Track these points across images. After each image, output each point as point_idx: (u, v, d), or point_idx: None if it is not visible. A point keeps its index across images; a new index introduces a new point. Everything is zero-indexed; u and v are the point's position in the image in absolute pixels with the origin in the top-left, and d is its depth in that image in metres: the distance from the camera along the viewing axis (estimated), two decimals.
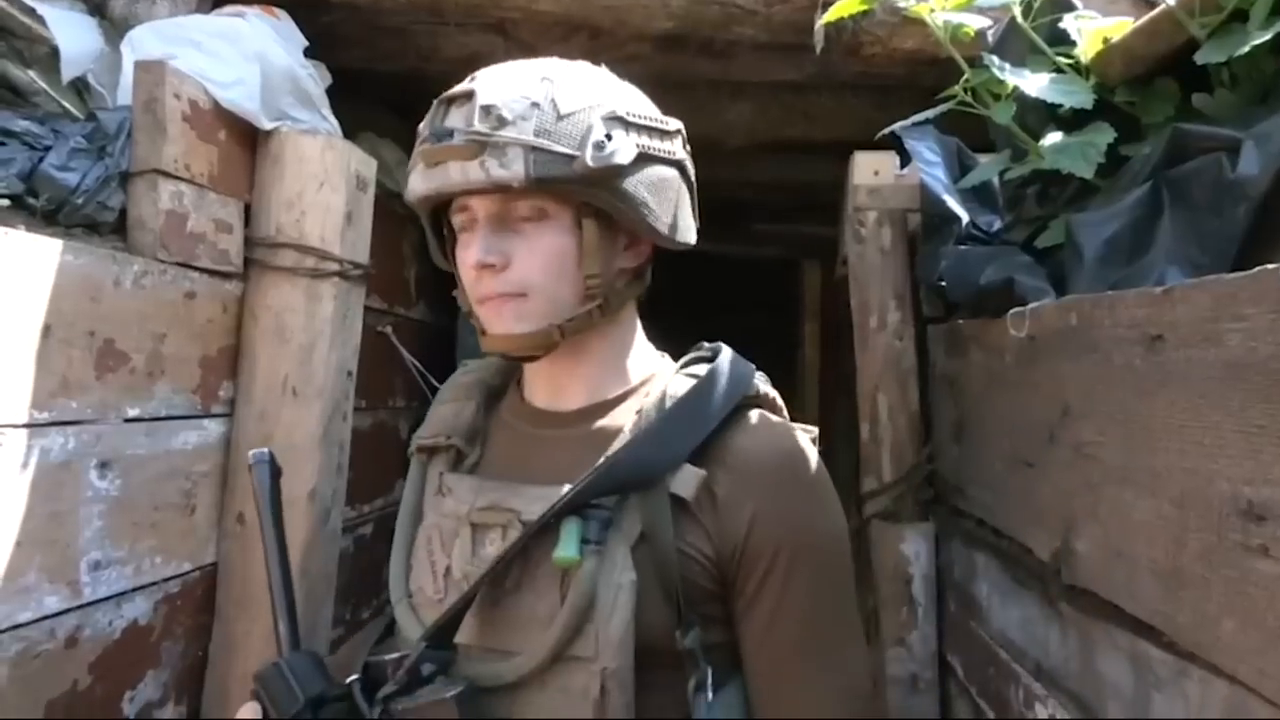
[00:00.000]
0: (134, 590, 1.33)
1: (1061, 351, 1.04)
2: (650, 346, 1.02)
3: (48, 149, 1.31)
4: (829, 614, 0.90)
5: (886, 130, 1.49)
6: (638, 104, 0.92)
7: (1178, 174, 1.03)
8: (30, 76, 1.46)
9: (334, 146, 1.59)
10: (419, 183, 0.89)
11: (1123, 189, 1.13)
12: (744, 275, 4.56)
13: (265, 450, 1.04)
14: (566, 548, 0.83)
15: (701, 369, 0.94)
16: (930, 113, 1.37)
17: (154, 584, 1.38)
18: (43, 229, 1.24)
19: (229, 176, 1.51)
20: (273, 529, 0.99)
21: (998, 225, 1.55)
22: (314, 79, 1.68)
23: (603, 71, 0.94)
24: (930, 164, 1.64)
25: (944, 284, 1.58)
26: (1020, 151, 1.34)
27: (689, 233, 0.96)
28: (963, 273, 1.47)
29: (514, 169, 0.83)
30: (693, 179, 0.97)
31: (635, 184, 0.88)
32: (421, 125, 0.91)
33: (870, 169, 1.78)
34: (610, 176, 0.86)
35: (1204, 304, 0.74)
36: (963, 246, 1.53)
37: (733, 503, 0.87)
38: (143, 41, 1.48)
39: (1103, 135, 1.17)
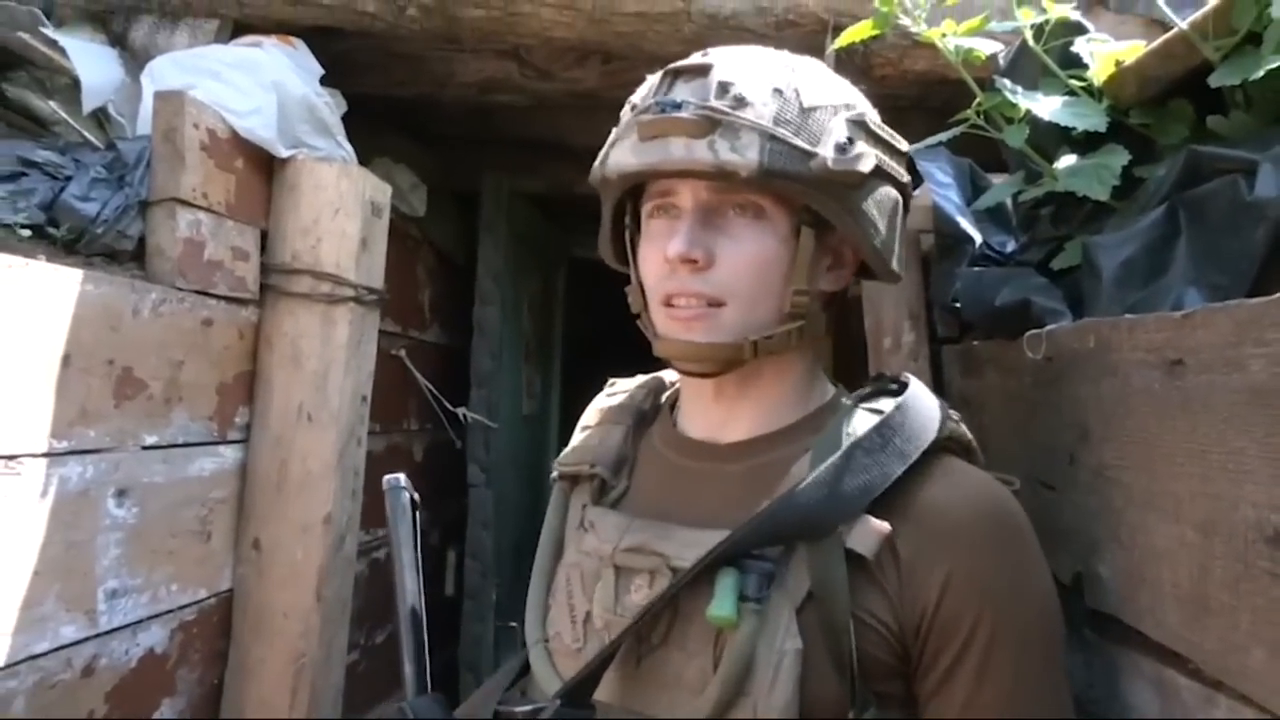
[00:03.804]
0: (150, 618, 1.33)
1: (1080, 374, 1.03)
2: (824, 376, 0.91)
3: (69, 179, 1.33)
4: (1037, 700, 0.77)
5: None
6: (876, 114, 0.85)
7: (1194, 196, 1.02)
8: (51, 107, 1.49)
9: (349, 173, 1.60)
10: (628, 156, 0.79)
11: (1138, 211, 1.13)
12: None
13: (399, 476, 0.94)
14: (721, 605, 0.72)
15: (885, 403, 0.83)
16: (943, 136, 1.37)
17: (170, 611, 1.38)
18: (63, 259, 1.25)
19: (246, 204, 1.53)
20: (405, 562, 0.89)
21: (1012, 246, 1.55)
22: (330, 106, 1.70)
23: (834, 73, 0.87)
24: (943, 185, 1.64)
25: (958, 305, 1.57)
26: (1034, 173, 1.34)
27: (901, 264, 0.87)
28: (978, 294, 1.46)
29: (748, 155, 0.74)
30: (910, 208, 0.89)
31: (865, 198, 0.80)
32: (636, 96, 0.83)
33: None
34: (847, 184, 0.78)
35: (1225, 329, 0.73)
36: (977, 268, 1.53)
37: (921, 564, 0.75)
38: (162, 72, 1.51)
39: (1117, 157, 1.17)
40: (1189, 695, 0.80)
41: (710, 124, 0.75)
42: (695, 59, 0.81)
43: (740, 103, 0.76)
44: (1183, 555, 0.80)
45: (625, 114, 0.83)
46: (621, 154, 0.80)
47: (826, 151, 0.76)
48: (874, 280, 0.90)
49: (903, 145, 0.86)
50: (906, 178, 0.87)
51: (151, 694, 1.35)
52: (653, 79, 0.82)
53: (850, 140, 0.78)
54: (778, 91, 0.77)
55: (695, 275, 0.79)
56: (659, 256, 0.80)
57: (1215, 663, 0.76)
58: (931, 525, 0.76)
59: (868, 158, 0.79)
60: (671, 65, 0.81)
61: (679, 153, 0.76)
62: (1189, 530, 0.79)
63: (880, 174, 0.81)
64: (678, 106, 0.76)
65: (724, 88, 0.76)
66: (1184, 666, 0.81)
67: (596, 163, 0.84)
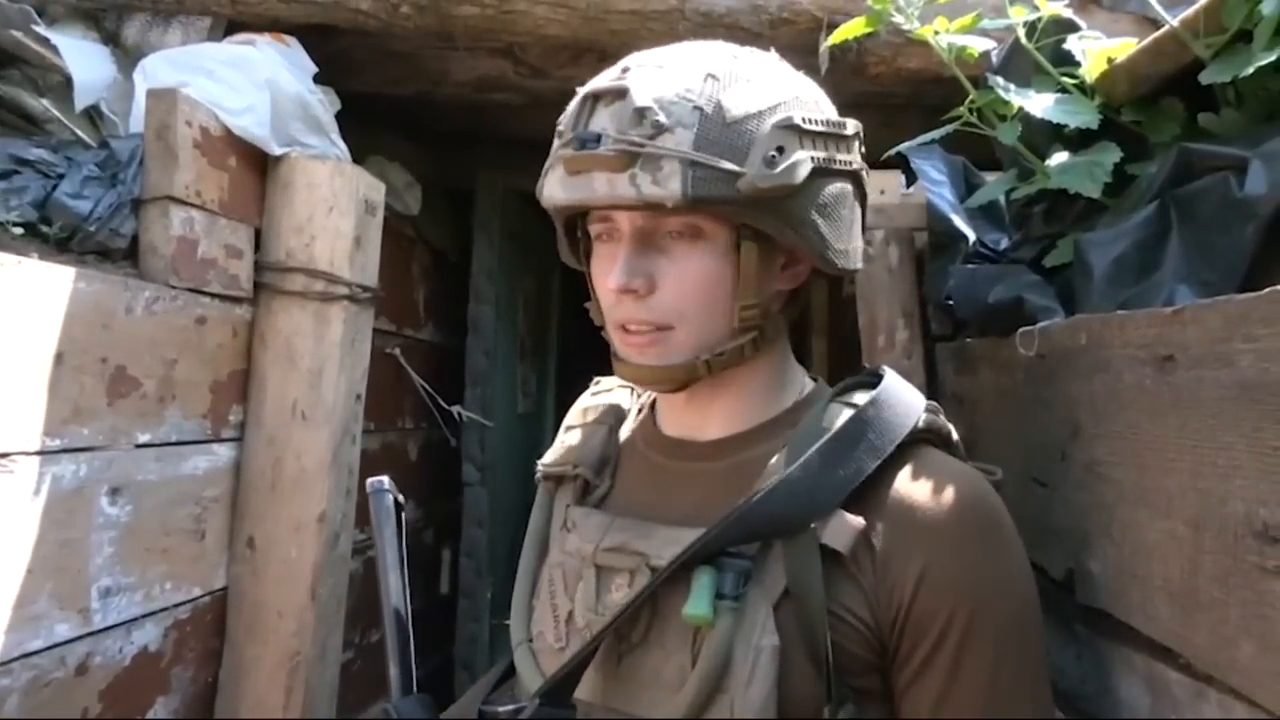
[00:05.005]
0: (144, 617, 1.33)
1: (1072, 371, 1.03)
2: (800, 369, 0.91)
3: (61, 177, 1.33)
4: (1013, 693, 0.76)
5: (893, 151, 1.49)
6: (814, 106, 0.81)
7: (1185, 193, 1.03)
8: (44, 105, 1.48)
9: (343, 171, 1.60)
10: (558, 191, 0.78)
11: (1130, 208, 1.13)
12: None
13: (383, 478, 0.95)
14: (697, 604, 0.73)
15: (860, 397, 0.82)
16: (936, 133, 1.38)
17: (164, 610, 1.38)
18: (56, 257, 1.25)
19: (239, 202, 1.53)
20: (389, 563, 0.90)
21: (1005, 244, 1.55)
22: (323, 104, 1.70)
23: (773, 62, 0.82)
24: (936, 183, 1.64)
25: (952, 302, 1.58)
26: (1027, 170, 1.34)
27: (857, 257, 0.85)
28: (971, 291, 1.46)
29: (669, 186, 0.72)
30: (866, 189, 0.87)
31: (805, 205, 0.77)
32: (563, 120, 0.80)
33: (876, 188, 1.78)
34: (778, 198, 0.75)
35: (1215, 324, 0.74)
36: (970, 265, 1.54)
37: (896, 558, 0.75)
38: (155, 70, 1.50)
39: (1109, 154, 1.17)
40: (1180, 690, 0.81)
41: (630, 158, 0.73)
42: (613, 77, 0.78)
43: (659, 129, 0.73)
44: (1173, 550, 0.80)
45: (556, 138, 0.81)
46: (552, 187, 0.80)
47: (754, 169, 0.74)
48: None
49: (849, 128, 0.83)
50: (857, 163, 0.84)
51: (146, 692, 1.35)
52: (576, 101, 0.80)
53: (780, 150, 0.75)
54: (698, 109, 0.74)
55: (639, 303, 0.79)
56: (606, 286, 0.80)
57: (1205, 657, 0.76)
58: (906, 519, 0.76)
59: (801, 165, 0.76)
60: (591, 87, 0.78)
61: (602, 189, 0.75)
62: (1179, 525, 0.79)
63: (820, 173, 0.78)
64: (597, 140, 0.74)
65: (641, 114, 0.73)
66: (1175, 661, 0.81)
67: (538, 185, 0.83)
